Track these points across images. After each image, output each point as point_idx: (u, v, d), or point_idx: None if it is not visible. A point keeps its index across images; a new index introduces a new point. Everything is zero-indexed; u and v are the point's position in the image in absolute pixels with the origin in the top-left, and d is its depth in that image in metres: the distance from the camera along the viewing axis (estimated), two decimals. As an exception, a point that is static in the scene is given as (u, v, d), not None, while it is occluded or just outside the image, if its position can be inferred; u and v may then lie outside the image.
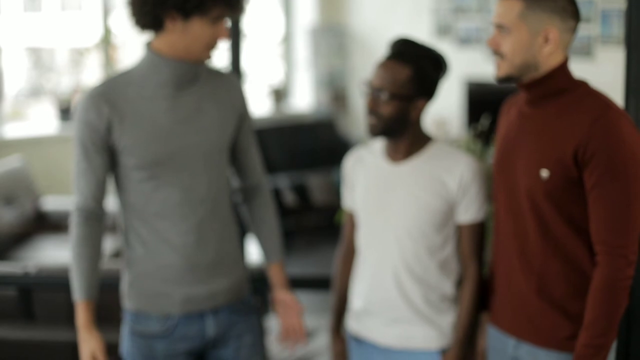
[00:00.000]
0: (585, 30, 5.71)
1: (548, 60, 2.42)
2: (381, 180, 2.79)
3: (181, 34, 2.56)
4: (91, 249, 2.68)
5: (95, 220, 2.70)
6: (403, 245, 2.72)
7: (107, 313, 3.56)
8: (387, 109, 2.69)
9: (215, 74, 2.76)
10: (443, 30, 7.25)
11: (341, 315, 2.95)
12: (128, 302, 2.73)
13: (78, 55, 8.13)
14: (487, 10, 6.83)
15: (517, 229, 2.49)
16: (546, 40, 2.42)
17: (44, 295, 3.67)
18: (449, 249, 2.75)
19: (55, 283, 3.62)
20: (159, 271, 2.66)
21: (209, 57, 2.62)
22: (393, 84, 2.67)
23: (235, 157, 2.83)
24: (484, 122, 4.32)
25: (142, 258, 2.68)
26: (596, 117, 2.31)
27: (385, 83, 2.67)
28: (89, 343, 2.61)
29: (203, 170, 2.66)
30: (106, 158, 2.62)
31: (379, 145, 2.86)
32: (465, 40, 6.93)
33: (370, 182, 2.82)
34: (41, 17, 8.38)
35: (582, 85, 2.44)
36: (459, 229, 2.75)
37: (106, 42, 7.75)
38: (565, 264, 2.41)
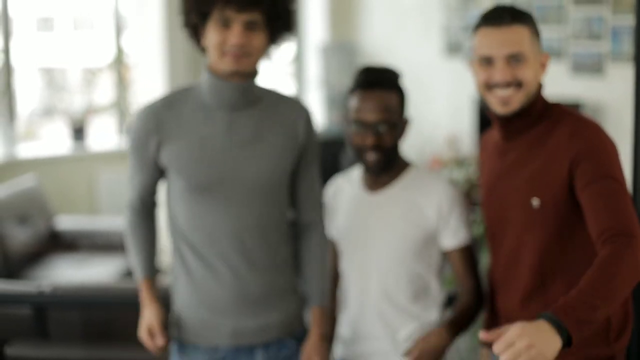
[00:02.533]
0: (595, 47, 5.72)
1: (537, 86, 2.42)
2: (360, 210, 2.75)
3: (206, 44, 2.51)
4: (144, 231, 2.66)
5: (145, 213, 2.68)
6: (383, 275, 2.68)
7: (116, 330, 3.57)
8: (389, 141, 2.65)
9: (281, 98, 2.64)
10: (453, 48, 7.27)
11: (330, 340, 2.87)
12: (174, 331, 2.64)
13: (91, 75, 8.19)
14: (498, 28, 6.84)
15: (515, 265, 2.45)
16: (543, 66, 2.43)
17: (59, 314, 3.68)
18: (432, 277, 2.71)
19: (69, 302, 3.63)
20: (207, 302, 2.57)
21: (231, 66, 2.46)
22: (390, 113, 2.63)
23: (291, 189, 2.69)
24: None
25: (189, 287, 2.59)
26: (573, 129, 2.31)
27: (383, 115, 2.62)
28: (146, 317, 2.56)
29: (256, 199, 2.54)
30: (152, 172, 2.58)
31: (357, 173, 2.82)
32: (475, 58, 6.94)
33: (349, 212, 2.78)
34: (54, 37, 8.45)
35: (556, 106, 2.44)
36: (448, 256, 2.71)
37: (119, 62, 7.80)
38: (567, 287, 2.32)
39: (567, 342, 1.93)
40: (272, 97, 2.62)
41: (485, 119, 6.68)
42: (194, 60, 6.97)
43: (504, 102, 2.38)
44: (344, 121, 2.81)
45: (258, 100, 2.57)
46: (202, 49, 2.57)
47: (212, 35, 2.46)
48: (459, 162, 6.34)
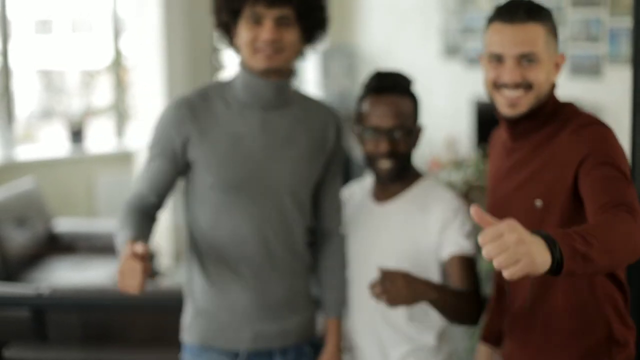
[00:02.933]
0: (593, 49, 5.72)
1: (549, 88, 2.31)
2: (364, 221, 2.66)
3: (239, 43, 2.47)
4: (139, 215, 2.42)
5: (147, 209, 2.47)
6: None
7: (115, 333, 3.58)
8: (404, 148, 2.55)
9: (311, 102, 2.62)
10: (452, 50, 7.28)
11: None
12: (190, 335, 2.59)
13: (89, 78, 8.18)
14: (496, 30, 6.85)
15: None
16: (557, 67, 2.32)
17: (57, 316, 3.68)
18: None
19: (68, 304, 3.63)
20: (228, 305, 2.52)
21: (264, 64, 2.43)
22: (404, 119, 2.54)
23: (315, 195, 2.63)
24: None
25: (208, 289, 2.54)
26: (578, 130, 2.20)
27: (397, 120, 2.53)
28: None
29: (282, 202, 2.50)
30: (171, 167, 2.46)
31: (369, 181, 2.74)
32: (473, 61, 6.95)
33: (354, 222, 2.69)
34: (52, 39, 8.44)
35: (567, 106, 2.33)
36: (446, 267, 2.54)
37: (117, 65, 7.80)
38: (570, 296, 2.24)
39: (555, 270, 1.69)
40: (305, 101, 2.60)
41: (484, 121, 6.69)
42: (192, 62, 6.97)
43: (512, 103, 2.27)
44: (352, 127, 2.68)
45: (291, 101, 2.55)
46: (236, 48, 2.52)
47: (243, 32, 2.43)
48: (458, 164, 6.33)
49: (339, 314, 2.66)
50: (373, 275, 2.47)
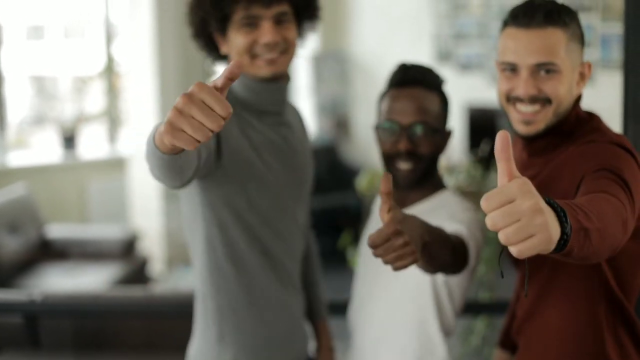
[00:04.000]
0: (585, 54, 5.73)
1: (571, 102, 1.99)
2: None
3: (230, 51, 2.17)
4: None
5: None
6: (382, 319, 2.28)
7: (107, 339, 3.58)
8: (427, 147, 2.19)
9: (289, 105, 2.38)
10: (444, 56, 7.29)
11: None
12: (221, 355, 2.23)
13: (81, 84, 8.18)
14: (488, 36, 6.88)
15: (523, 276, 2.18)
16: (582, 77, 2.01)
17: (50, 323, 3.68)
18: (437, 331, 2.24)
19: (60, 310, 3.63)
20: (268, 322, 2.24)
21: (268, 71, 2.15)
22: (428, 115, 2.18)
23: None
24: (484, 147, 4.34)
25: (246, 306, 2.22)
26: (587, 149, 1.90)
27: (419, 116, 2.17)
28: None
29: (304, 208, 2.33)
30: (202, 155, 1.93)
31: None
32: (465, 66, 6.97)
33: (370, 231, 2.38)
34: (44, 45, 8.44)
35: (590, 122, 2.01)
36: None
37: (109, 70, 7.80)
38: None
39: (559, 247, 1.35)
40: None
41: (476, 127, 6.71)
42: (185, 68, 6.97)
43: (527, 120, 1.96)
44: (374, 128, 2.28)
45: (285, 103, 2.31)
46: (221, 57, 2.27)
47: (237, 39, 2.13)
48: (450, 170, 6.35)
49: (325, 315, 2.58)
50: (380, 290, 2.28)
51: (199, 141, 1.36)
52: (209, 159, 1.99)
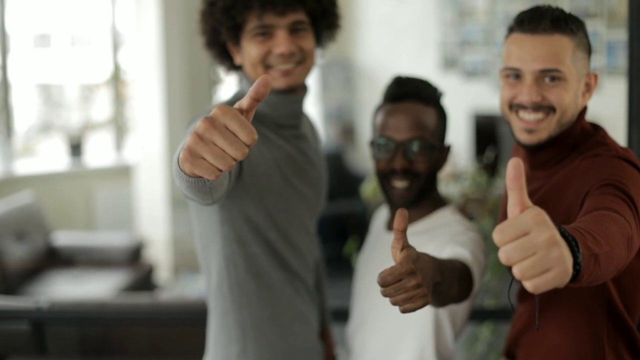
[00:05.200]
0: (591, 61, 5.73)
1: (576, 113, 1.93)
2: (372, 250, 2.31)
3: (244, 62, 2.10)
4: None
5: None
6: (375, 342, 2.22)
7: (113, 346, 3.58)
8: (423, 164, 2.10)
9: (304, 116, 2.31)
10: (449, 63, 7.30)
11: None
12: None
13: (88, 92, 8.20)
14: (493, 44, 6.88)
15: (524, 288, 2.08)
16: (588, 88, 1.97)
17: (57, 330, 3.68)
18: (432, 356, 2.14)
19: (67, 317, 3.64)
20: (290, 335, 2.20)
21: (284, 83, 2.08)
22: (425, 131, 2.10)
23: None
24: (490, 154, 4.35)
25: (268, 320, 2.17)
26: (591, 165, 1.85)
27: (416, 131, 2.09)
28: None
29: (311, 228, 2.25)
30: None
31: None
32: (471, 73, 6.97)
33: (367, 250, 2.36)
34: (51, 53, 8.46)
35: (595, 136, 1.97)
36: None
37: (116, 79, 7.83)
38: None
39: (572, 275, 1.30)
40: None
41: (482, 134, 6.71)
42: (191, 75, 6.99)
43: (529, 129, 1.90)
44: (369, 144, 2.22)
45: (301, 116, 2.25)
46: (235, 68, 2.20)
47: (250, 49, 2.05)
48: (455, 177, 6.36)
49: (330, 322, 2.55)
50: (378, 313, 2.20)
51: (221, 170, 1.25)
52: (233, 176, 1.93)
